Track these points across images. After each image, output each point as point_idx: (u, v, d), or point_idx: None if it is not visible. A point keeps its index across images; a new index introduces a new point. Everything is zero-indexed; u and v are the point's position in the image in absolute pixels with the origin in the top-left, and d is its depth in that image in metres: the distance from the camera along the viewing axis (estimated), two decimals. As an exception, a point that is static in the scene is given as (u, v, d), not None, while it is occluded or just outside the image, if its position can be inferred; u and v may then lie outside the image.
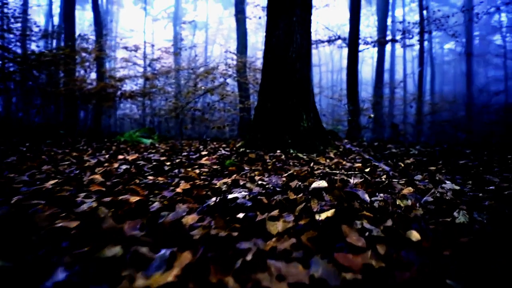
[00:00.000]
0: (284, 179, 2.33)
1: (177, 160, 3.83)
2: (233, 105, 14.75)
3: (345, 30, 16.48)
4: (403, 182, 2.28)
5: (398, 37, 13.27)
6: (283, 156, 3.79)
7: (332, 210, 1.28)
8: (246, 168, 3.26)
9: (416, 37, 15.20)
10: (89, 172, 2.90)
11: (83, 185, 2.20)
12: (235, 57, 14.74)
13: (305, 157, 3.78)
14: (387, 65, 24.08)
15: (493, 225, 1.28)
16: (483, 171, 2.87)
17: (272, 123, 4.39)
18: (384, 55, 18.18)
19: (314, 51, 29.75)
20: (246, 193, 1.70)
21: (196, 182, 2.22)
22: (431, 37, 23.91)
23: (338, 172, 2.61)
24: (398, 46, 32.26)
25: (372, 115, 4.70)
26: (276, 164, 3.47)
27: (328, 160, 3.58)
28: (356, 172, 2.51)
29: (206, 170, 3.06)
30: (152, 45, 17.59)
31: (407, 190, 1.87)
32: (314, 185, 1.71)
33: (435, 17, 10.72)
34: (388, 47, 25.04)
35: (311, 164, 3.38)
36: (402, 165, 3.43)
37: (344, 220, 1.18)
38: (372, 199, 1.72)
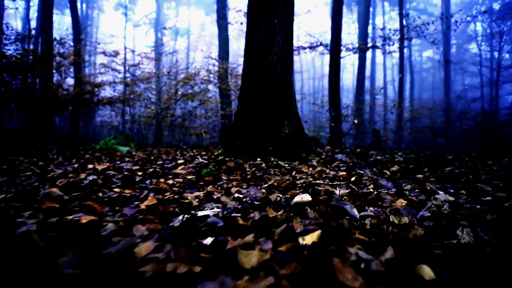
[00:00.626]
0: (263, 190, 2.11)
1: (151, 170, 3.57)
2: (214, 112, 14.52)
3: (326, 37, 16.55)
4: (392, 192, 2.10)
5: (379, 44, 13.33)
6: (263, 165, 3.58)
7: (318, 232, 1.07)
8: (224, 178, 3.03)
9: (397, 44, 15.37)
10: (49, 184, 2.61)
11: (35, 201, 1.92)
12: (216, 63, 14.55)
13: (286, 165, 3.58)
14: (367, 72, 24.34)
15: (503, 245, 1.10)
16: (472, 179, 2.73)
17: (252, 129, 4.18)
18: (365, 62, 18.34)
19: (296, 58, 29.85)
20: (219, 210, 1.47)
21: (166, 196, 1.98)
22: (410, 45, 24.36)
23: (322, 182, 2.41)
24: (378, 53, 32.80)
25: (355, 121, 4.56)
26: (256, 173, 3.26)
27: (311, 169, 3.39)
28: (342, 183, 2.32)
29: (180, 180, 2.82)
30: (133, 51, 17.19)
31: (400, 203, 1.68)
32: (297, 199, 1.50)
33: (415, 24, 10.79)
34: (369, 55, 25.35)
35: (293, 173, 3.18)
36: (388, 172, 3.27)
37: (333, 244, 0.98)
38: (362, 213, 1.52)
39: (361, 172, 3.25)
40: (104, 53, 13.97)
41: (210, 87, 16.66)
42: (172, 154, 5.87)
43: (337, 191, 2.05)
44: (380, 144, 13.12)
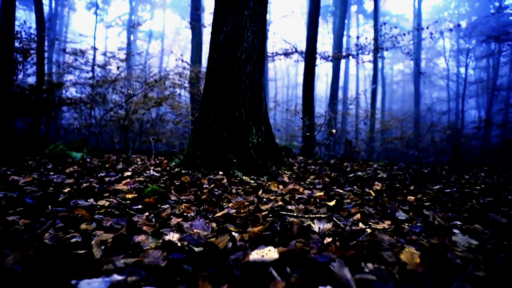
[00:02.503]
0: (214, 225, 1.51)
1: (86, 185, 2.88)
2: (185, 118, 13.83)
3: (301, 46, 16.28)
4: (387, 227, 1.56)
5: (354, 53, 13.13)
6: (225, 180, 2.98)
7: None
8: (173, 198, 2.40)
9: (371, 55, 15.28)
10: None
11: None
12: (188, 66, 13.89)
13: (252, 181, 2.99)
14: (341, 82, 24.39)
15: None
16: (477, 204, 2.25)
17: (214, 138, 3.57)
18: (339, 72, 18.21)
19: (270, 66, 29.59)
20: (120, 278, 0.85)
21: (67, 235, 1.34)
22: (383, 57, 24.66)
23: (294, 210, 1.84)
24: (352, 65, 33.22)
25: (333, 131, 4.06)
26: (214, 192, 2.65)
27: (281, 186, 2.81)
28: (321, 212, 1.75)
29: (112, 201, 2.17)
30: (104, 53, 16.14)
31: (409, 255, 1.12)
32: (256, 255, 0.91)
33: (391, 34, 10.61)
34: (342, 66, 25.39)
35: (259, 193, 2.60)
36: (372, 192, 2.75)
37: None
38: (358, 277, 0.95)
39: (341, 192, 2.71)
40: (64, 50, 12.98)
41: (182, 92, 15.98)
42: (132, 163, 5.16)
43: (315, 227, 1.48)
44: (353, 154, 12.84)
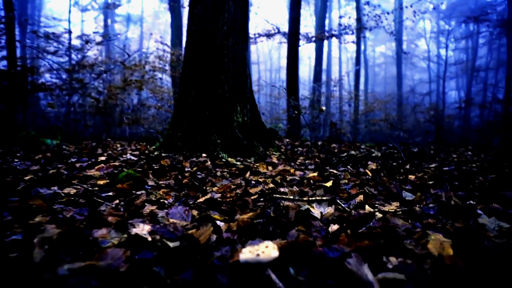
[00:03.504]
0: (195, 212, 1.26)
1: (53, 171, 2.58)
2: (167, 102, 13.37)
3: (283, 28, 15.90)
4: (397, 209, 1.34)
5: (336, 33, 12.87)
6: (208, 162, 2.71)
7: None
8: (150, 183, 2.14)
9: (354, 36, 15.05)
10: None
11: None
12: (168, 48, 13.37)
13: (239, 163, 2.74)
14: (324, 65, 24.13)
15: None
16: (484, 180, 2.06)
17: (196, 117, 3.28)
18: (322, 54, 17.92)
19: (252, 48, 28.99)
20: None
21: (11, 230, 1.07)
22: (365, 39, 24.52)
23: (288, 192, 1.60)
24: (334, 47, 32.96)
25: (323, 107, 3.82)
26: (197, 175, 2.39)
27: (270, 168, 2.57)
28: (318, 195, 1.52)
29: (81, 189, 1.89)
30: (80, 36, 15.26)
31: (437, 243, 0.90)
32: (248, 256, 0.66)
33: (375, 13, 10.36)
34: (325, 49, 25.05)
35: (247, 175, 2.35)
36: (368, 172, 2.54)
37: None
38: (381, 276, 0.73)
39: (335, 172, 2.50)
40: (36, 32, 12.22)
41: (164, 77, 15.46)
42: (110, 148, 4.82)
43: (315, 212, 1.25)
44: (339, 136, 12.73)
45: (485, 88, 23.59)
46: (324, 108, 3.81)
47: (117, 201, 1.56)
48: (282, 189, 1.74)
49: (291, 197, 1.27)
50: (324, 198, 1.24)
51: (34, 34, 12.53)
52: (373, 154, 3.09)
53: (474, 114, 20.74)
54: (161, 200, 1.57)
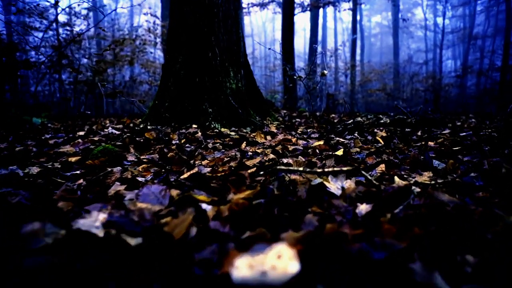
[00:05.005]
0: (175, 193, 0.96)
1: (20, 148, 2.27)
2: (159, 77, 12.92)
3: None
4: (432, 181, 1.06)
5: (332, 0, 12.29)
6: (199, 134, 2.40)
7: None
8: (130, 158, 1.84)
9: (350, 3, 14.46)
10: None
11: None
12: (159, 22, 12.75)
13: (233, 133, 2.43)
14: (319, 37, 23.45)
15: None
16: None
17: (185, 85, 2.93)
18: (317, 23, 17.27)
19: (246, 21, 28.08)
20: None
21: None
22: (361, 9, 23.75)
23: (293, 163, 1.31)
24: (329, 18, 32.03)
25: (326, 71, 3.48)
26: (185, 149, 2.08)
27: (269, 137, 2.27)
28: (329, 165, 1.23)
29: (48, 167, 1.59)
30: (66, 9, 14.41)
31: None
32: (245, 274, 0.37)
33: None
34: (320, 20, 24.24)
35: (243, 146, 2.05)
36: (380, 140, 2.25)
37: None
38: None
39: (343, 140, 2.20)
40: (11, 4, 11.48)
41: (157, 52, 14.85)
42: (99, 124, 4.49)
43: (332, 187, 0.95)
44: (336, 107, 12.39)
45: (482, 56, 23.15)
46: (326, 72, 3.47)
47: (81, 181, 1.26)
48: (285, 160, 1.44)
49: (300, 168, 0.97)
50: (344, 168, 0.94)
51: (15, 8, 11.81)
52: (381, 121, 2.79)
53: (471, 83, 20.39)
54: (137, 178, 1.27)
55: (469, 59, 23.56)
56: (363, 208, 0.78)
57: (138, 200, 0.88)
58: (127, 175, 1.43)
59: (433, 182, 0.98)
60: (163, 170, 1.48)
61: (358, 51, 28.72)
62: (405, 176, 1.16)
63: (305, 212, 0.80)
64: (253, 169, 1.31)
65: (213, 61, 2.91)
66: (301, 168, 0.94)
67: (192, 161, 1.68)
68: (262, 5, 15.73)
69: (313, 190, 0.97)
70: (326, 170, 0.95)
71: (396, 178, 1.04)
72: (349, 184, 1.02)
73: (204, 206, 0.82)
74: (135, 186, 1.11)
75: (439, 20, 30.63)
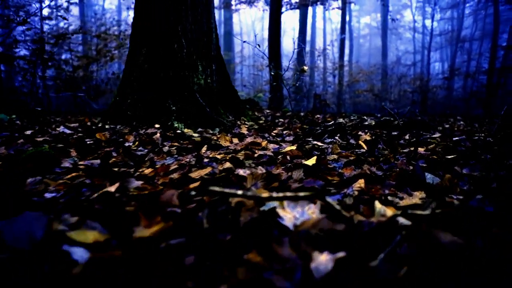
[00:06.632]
0: (55, 226, 0.65)
1: None
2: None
3: None
4: (423, 202, 0.78)
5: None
6: (158, 135, 2.09)
7: None
8: (65, 164, 1.52)
9: (339, 2, 14.25)
10: None
11: None
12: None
13: (196, 135, 2.12)
14: (308, 36, 23.26)
15: None
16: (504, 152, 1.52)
17: (148, 80, 2.61)
18: (306, 22, 17.05)
19: (235, 19, 27.69)
20: None
21: None
22: (350, 9, 23.66)
23: (248, 177, 1.01)
24: (318, 18, 31.91)
25: (306, 67, 3.19)
26: (136, 152, 1.77)
27: (236, 140, 1.97)
28: (296, 183, 0.94)
29: None
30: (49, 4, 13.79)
31: None
32: None
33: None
34: (309, 19, 24.03)
35: (203, 150, 1.74)
36: (363, 144, 1.97)
37: None
38: None
39: (321, 145, 1.91)
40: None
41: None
42: (71, 121, 4.12)
43: (287, 217, 0.66)
44: (323, 108, 12.16)
45: (469, 58, 23.27)
46: (306, 68, 3.19)
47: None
48: (241, 171, 1.14)
49: (239, 192, 0.67)
50: (301, 194, 0.64)
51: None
52: (366, 123, 2.52)
53: (458, 85, 20.43)
54: (34, 198, 0.95)
55: (456, 61, 23.65)
56: (322, 261, 0.49)
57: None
58: (40, 188, 1.11)
59: (428, 211, 0.69)
60: (87, 182, 1.16)
61: (346, 51, 28.64)
62: (389, 198, 0.87)
63: (239, 261, 0.51)
64: (196, 184, 1.01)
65: (179, 53, 2.60)
66: (239, 192, 0.65)
67: (133, 170, 1.37)
68: (250, 3, 15.45)
69: (260, 221, 0.68)
70: (274, 195, 0.66)
71: (376, 204, 0.75)
72: (312, 211, 0.72)
73: (76, 253, 0.52)
74: (20, 209, 0.80)
75: (428, 22, 30.73)
